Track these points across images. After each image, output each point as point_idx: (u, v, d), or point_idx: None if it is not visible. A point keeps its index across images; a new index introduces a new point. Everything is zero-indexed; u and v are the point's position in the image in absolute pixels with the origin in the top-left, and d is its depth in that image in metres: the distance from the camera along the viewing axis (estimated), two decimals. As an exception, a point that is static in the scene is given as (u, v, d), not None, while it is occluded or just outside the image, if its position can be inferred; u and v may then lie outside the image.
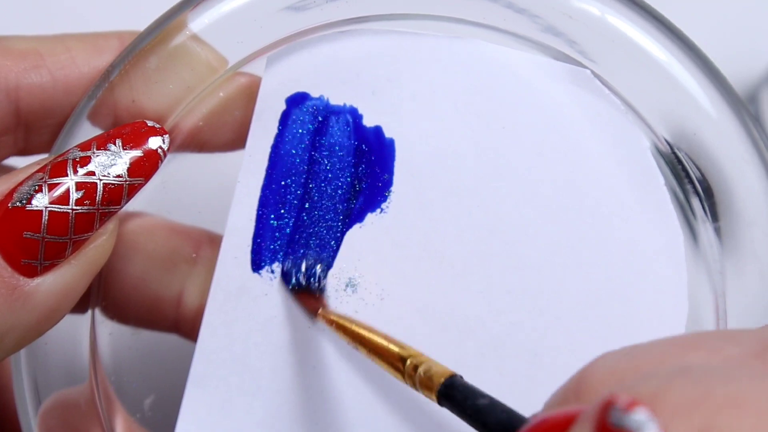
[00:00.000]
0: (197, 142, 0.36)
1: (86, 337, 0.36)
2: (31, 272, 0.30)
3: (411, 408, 0.35)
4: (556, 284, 0.35)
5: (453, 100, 0.35)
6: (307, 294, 0.36)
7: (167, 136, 0.32)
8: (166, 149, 0.32)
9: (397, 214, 0.35)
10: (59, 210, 0.30)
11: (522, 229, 0.35)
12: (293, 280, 0.36)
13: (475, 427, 0.28)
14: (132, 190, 0.31)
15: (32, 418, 0.35)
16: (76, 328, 0.36)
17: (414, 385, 0.31)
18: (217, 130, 0.36)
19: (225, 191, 0.36)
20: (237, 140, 0.36)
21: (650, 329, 0.34)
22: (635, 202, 0.34)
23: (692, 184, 0.34)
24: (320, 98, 0.36)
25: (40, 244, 0.30)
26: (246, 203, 0.36)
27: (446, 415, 0.34)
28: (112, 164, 0.30)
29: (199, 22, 0.34)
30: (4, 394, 0.38)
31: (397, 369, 0.32)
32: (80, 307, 0.35)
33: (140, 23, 0.35)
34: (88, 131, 0.34)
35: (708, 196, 0.34)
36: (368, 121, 0.36)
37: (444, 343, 0.35)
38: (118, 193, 0.31)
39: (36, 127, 0.35)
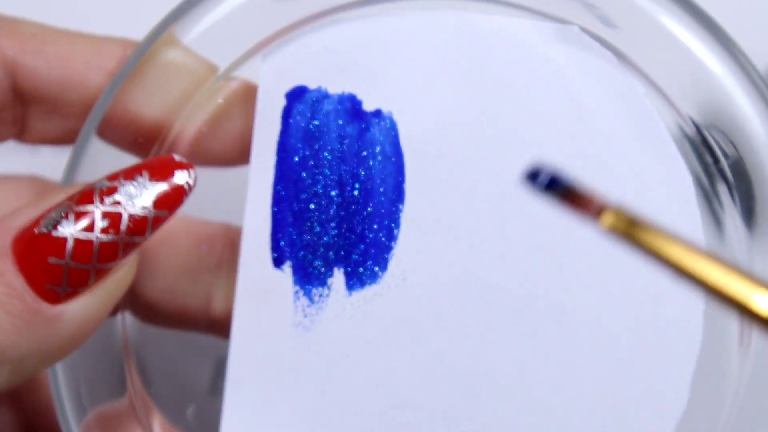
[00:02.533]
0: (201, 156, 0.37)
1: (121, 349, 0.36)
2: (54, 298, 0.30)
3: (453, 396, 0.35)
4: (572, 239, 0.35)
5: (450, 75, 0.35)
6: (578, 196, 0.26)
7: (193, 170, 0.32)
8: (192, 184, 0.32)
9: (408, 194, 0.36)
10: (84, 237, 0.30)
11: (530, 198, 0.35)
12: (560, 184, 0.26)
13: None
14: (156, 222, 0.31)
15: None
16: (112, 342, 0.36)
17: None
18: (219, 140, 0.37)
19: (237, 194, 0.37)
20: (242, 149, 0.37)
21: (666, 314, 0.34)
22: (638, 150, 0.34)
23: (720, 170, 0.34)
24: (318, 89, 0.36)
25: (64, 270, 0.30)
26: (260, 202, 0.36)
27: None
28: (138, 195, 0.31)
29: (187, 31, 0.35)
30: (46, 414, 0.38)
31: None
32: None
33: (145, 23, 0.35)
34: (96, 150, 0.35)
35: (740, 179, 0.33)
36: (368, 106, 0.36)
37: (471, 315, 0.35)
38: (143, 225, 0.31)
39: (31, 110, 0.36)
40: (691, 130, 0.34)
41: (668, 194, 0.34)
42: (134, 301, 0.37)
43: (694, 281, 0.23)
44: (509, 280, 0.35)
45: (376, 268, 0.36)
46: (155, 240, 0.38)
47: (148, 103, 0.34)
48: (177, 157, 0.32)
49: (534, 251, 0.35)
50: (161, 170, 0.31)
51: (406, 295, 0.36)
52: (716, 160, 0.34)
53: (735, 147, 0.33)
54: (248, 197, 0.36)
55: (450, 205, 0.36)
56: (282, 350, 0.36)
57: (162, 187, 0.31)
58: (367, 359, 0.36)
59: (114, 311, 0.36)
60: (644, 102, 0.34)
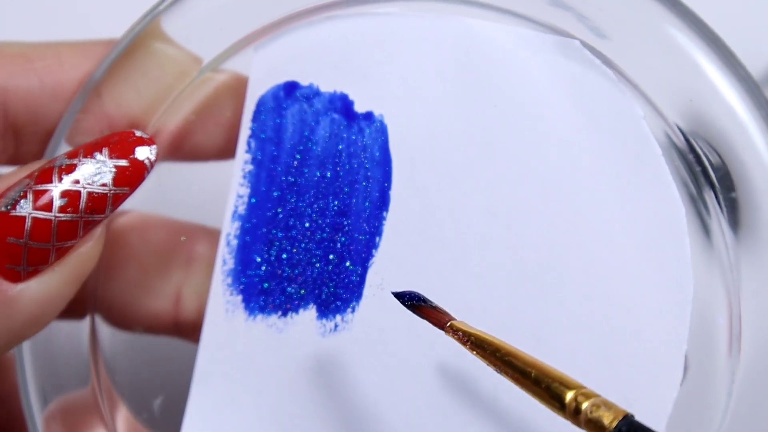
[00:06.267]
0: (187, 150, 0.36)
1: (88, 339, 0.36)
2: (15, 277, 0.30)
3: (420, 406, 0.34)
4: (557, 264, 0.33)
5: (443, 80, 0.34)
6: (429, 308, 0.33)
7: (155, 146, 0.32)
8: (153, 160, 0.31)
9: (392, 200, 0.35)
10: (42, 217, 0.30)
11: (519, 209, 0.34)
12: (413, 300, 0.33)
13: None
14: (117, 199, 0.31)
15: (39, 422, 0.35)
16: (79, 331, 0.36)
17: (577, 423, 0.29)
18: (204, 134, 0.36)
19: (219, 187, 0.36)
20: (228, 142, 0.36)
21: (653, 305, 0.33)
22: (632, 173, 0.32)
23: (706, 176, 0.32)
24: (310, 86, 0.35)
25: (24, 249, 0.30)
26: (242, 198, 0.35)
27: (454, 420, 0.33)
28: (97, 173, 0.30)
29: (174, 20, 0.34)
30: (10, 401, 0.38)
31: (552, 399, 0.29)
32: (80, 313, 0.35)
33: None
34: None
35: (726, 186, 0.32)
36: (360, 107, 0.35)
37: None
38: (102, 202, 0.31)
39: (24, 133, 0.35)
40: (678, 138, 0.33)
41: (658, 218, 0.32)
42: (105, 294, 0.36)
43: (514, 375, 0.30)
44: (487, 297, 0.34)
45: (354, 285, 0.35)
46: (125, 226, 0.37)
47: (126, 99, 0.34)
48: (138, 133, 0.31)
49: (518, 272, 0.33)
50: (121, 147, 0.31)
51: (384, 303, 0.35)
52: (703, 167, 0.32)
53: (719, 155, 0.32)
54: (231, 191, 0.35)
55: (432, 215, 0.34)
56: (252, 349, 0.36)
57: (122, 163, 0.31)
58: (339, 367, 0.35)
59: (82, 313, 0.35)
60: (641, 123, 0.32)
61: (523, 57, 0.33)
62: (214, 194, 0.36)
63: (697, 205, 0.33)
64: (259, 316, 0.35)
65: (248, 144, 0.35)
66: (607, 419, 0.28)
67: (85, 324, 0.36)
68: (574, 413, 0.28)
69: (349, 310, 0.35)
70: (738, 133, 0.32)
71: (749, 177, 0.32)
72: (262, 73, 0.35)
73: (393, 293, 0.33)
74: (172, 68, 0.34)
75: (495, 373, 0.32)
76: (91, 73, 0.34)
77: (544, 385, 0.29)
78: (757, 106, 0.31)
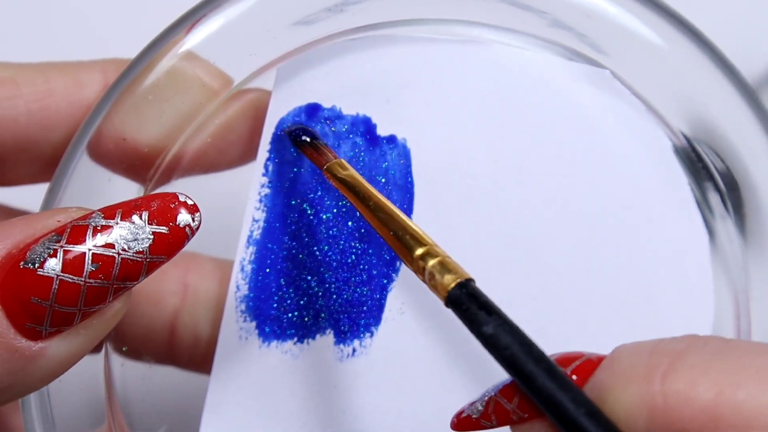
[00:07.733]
0: (204, 164, 0.35)
1: (101, 372, 0.34)
2: (35, 336, 0.28)
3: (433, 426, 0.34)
4: (581, 288, 0.34)
5: (468, 106, 0.34)
6: (313, 147, 0.33)
7: (198, 214, 0.29)
8: (195, 228, 0.29)
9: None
10: (71, 280, 0.27)
11: (543, 234, 0.34)
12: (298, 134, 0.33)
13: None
14: (152, 267, 0.28)
15: None
16: (89, 366, 0.34)
17: (422, 278, 0.29)
18: (224, 149, 0.35)
19: (235, 210, 0.35)
20: (246, 156, 0.35)
21: (677, 331, 0.34)
22: (658, 202, 0.34)
23: (712, 180, 0.34)
24: (333, 108, 0.34)
25: (48, 311, 0.27)
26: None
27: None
28: (134, 239, 0.28)
29: (201, 36, 0.33)
30: None
31: (404, 252, 0.30)
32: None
33: (143, 22, 0.33)
34: (84, 169, 0.33)
35: (731, 190, 0.33)
36: (382, 130, 0.35)
37: (468, 355, 0.34)
38: (137, 270, 0.28)
39: (10, 160, 0.33)
40: (682, 144, 0.34)
41: (682, 245, 0.34)
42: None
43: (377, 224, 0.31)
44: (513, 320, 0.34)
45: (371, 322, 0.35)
46: None
47: (145, 124, 0.32)
48: (181, 197, 0.29)
49: (542, 296, 0.34)
50: (162, 212, 0.28)
51: (404, 328, 0.35)
52: (708, 172, 0.34)
53: (722, 159, 0.33)
54: (246, 215, 0.35)
55: (455, 239, 0.34)
56: (266, 377, 0.35)
57: (161, 230, 0.28)
58: (357, 393, 0.35)
59: (98, 347, 0.34)
60: (668, 153, 0.34)
61: (552, 84, 0.34)
62: (227, 218, 0.35)
63: (702, 208, 0.34)
64: (274, 343, 0.35)
65: (265, 167, 0.34)
66: (448, 281, 0.28)
67: (99, 359, 0.34)
68: (421, 270, 0.29)
69: (368, 334, 0.35)
70: (738, 137, 0.33)
71: (751, 176, 0.33)
72: (284, 94, 0.34)
73: (284, 130, 0.34)
74: (199, 92, 0.33)
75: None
76: (83, 101, 0.33)
77: (400, 238, 0.30)
78: (753, 109, 0.33)
